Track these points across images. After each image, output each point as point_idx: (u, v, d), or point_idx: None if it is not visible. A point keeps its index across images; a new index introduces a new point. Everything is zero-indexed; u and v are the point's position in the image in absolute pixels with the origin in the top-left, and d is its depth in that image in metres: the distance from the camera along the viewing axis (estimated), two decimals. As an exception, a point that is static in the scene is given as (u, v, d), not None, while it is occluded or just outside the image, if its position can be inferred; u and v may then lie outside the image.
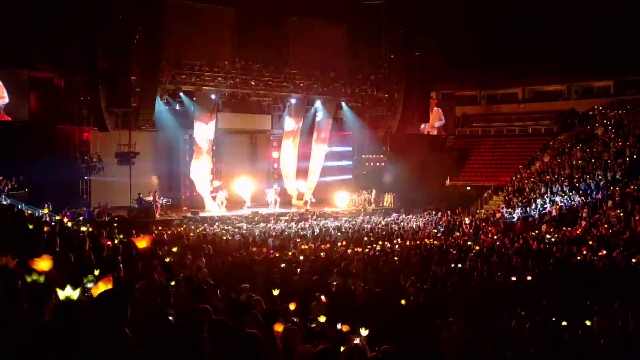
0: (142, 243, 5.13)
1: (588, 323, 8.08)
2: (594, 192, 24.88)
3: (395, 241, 17.82)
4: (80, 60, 22.91)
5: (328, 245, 16.10)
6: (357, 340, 6.17)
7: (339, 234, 19.78)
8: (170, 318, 4.65)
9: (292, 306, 7.09)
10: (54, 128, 23.89)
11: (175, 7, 25.14)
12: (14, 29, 21.74)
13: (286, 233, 19.50)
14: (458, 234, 20.56)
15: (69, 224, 11.89)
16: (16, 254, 3.89)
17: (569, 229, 21.06)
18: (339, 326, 6.90)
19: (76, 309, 3.38)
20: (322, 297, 8.08)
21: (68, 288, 3.41)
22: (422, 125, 32.68)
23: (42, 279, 3.82)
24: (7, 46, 22.13)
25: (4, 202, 17.31)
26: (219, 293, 7.72)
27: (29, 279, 3.69)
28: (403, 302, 8.93)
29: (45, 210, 17.41)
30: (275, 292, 6.65)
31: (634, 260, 13.85)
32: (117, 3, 22.33)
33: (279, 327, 5.41)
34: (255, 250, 14.76)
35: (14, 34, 21.91)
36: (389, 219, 25.68)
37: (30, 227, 7.27)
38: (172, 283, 6.42)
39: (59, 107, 23.95)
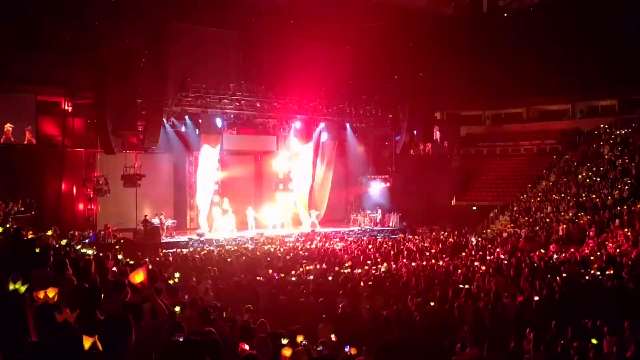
0: (138, 277, 5.05)
1: (594, 341, 7.98)
2: (601, 211, 24.75)
3: (401, 262, 17.72)
4: (86, 84, 23.17)
5: (334, 267, 16.01)
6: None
7: (345, 255, 19.70)
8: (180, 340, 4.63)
9: (299, 338, 6.89)
10: (61, 151, 24.08)
11: (180, 31, 25.43)
12: (21, 52, 22.02)
13: (292, 254, 19.43)
14: (464, 254, 20.42)
15: (77, 247, 11.91)
16: (23, 278, 3.89)
17: (577, 248, 20.91)
18: (347, 349, 6.84)
19: (74, 333, 3.34)
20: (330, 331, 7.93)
21: (65, 311, 3.38)
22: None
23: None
24: (15, 69, 22.42)
25: (10, 225, 17.32)
26: (225, 315, 7.69)
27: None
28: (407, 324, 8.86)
29: (50, 232, 17.43)
30: (285, 342, 6.51)
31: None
32: (123, 26, 22.62)
33: (287, 352, 5.37)
34: (261, 272, 14.70)
35: (21, 58, 22.19)
36: (394, 239, 25.58)
37: (37, 250, 7.27)
38: (177, 309, 6.38)
39: (65, 130, 24.19)
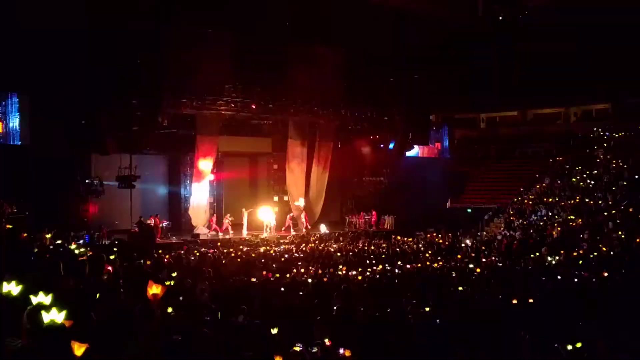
0: (154, 290, 4.96)
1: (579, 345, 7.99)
2: (595, 214, 24.85)
3: (396, 264, 17.74)
4: (81, 84, 23.07)
5: (329, 268, 16.02)
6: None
7: (340, 256, 19.70)
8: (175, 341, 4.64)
9: (296, 348, 6.87)
10: (55, 152, 23.96)
11: (175, 32, 25.34)
12: (15, 54, 21.94)
13: (287, 256, 19.43)
14: (459, 256, 20.46)
15: (71, 248, 11.88)
16: (19, 280, 3.89)
17: (571, 250, 20.96)
18: (341, 351, 6.84)
19: (61, 334, 3.34)
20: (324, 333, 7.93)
21: (53, 311, 3.37)
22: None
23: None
24: (11, 72, 22.32)
25: (5, 227, 17.27)
26: (219, 317, 7.70)
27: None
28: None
29: (49, 235, 17.41)
30: (274, 331, 6.52)
31: None
32: (118, 28, 22.54)
33: (279, 354, 5.38)
34: (256, 273, 14.68)
35: (16, 60, 22.10)
36: (389, 241, 25.59)
37: (32, 251, 7.27)
38: (170, 310, 6.38)
39: (60, 131, 24.06)
